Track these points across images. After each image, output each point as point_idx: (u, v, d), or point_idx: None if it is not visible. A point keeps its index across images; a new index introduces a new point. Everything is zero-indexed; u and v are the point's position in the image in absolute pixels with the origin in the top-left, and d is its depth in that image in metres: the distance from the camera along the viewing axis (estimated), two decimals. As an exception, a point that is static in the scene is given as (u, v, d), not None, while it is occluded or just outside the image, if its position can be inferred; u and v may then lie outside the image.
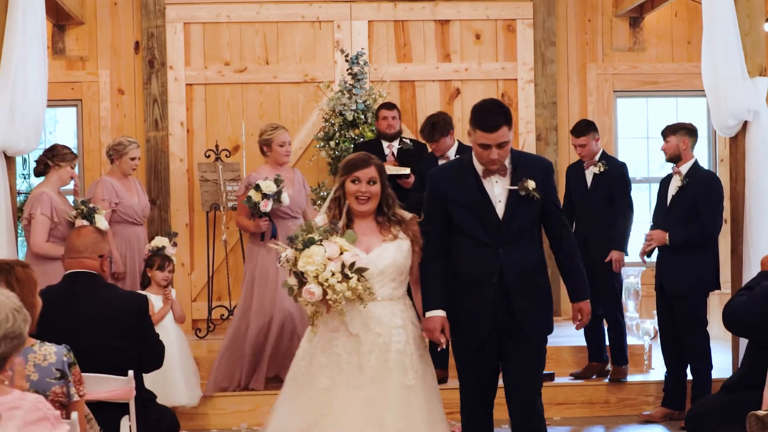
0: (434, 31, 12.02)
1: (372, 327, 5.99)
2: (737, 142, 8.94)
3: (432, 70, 12.01)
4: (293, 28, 11.94)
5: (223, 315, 11.12)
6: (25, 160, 11.69)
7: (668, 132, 9.14)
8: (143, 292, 8.23)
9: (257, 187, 9.01)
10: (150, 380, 7.22)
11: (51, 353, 4.79)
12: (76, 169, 9.27)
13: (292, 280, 5.80)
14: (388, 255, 6.10)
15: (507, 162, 6.22)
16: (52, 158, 9.01)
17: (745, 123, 8.78)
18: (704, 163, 12.16)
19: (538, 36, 11.96)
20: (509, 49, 12.05)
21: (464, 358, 6.45)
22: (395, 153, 10.11)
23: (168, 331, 8.77)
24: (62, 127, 12.49)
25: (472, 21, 12.01)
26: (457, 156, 9.01)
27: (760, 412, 5.58)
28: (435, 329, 6.20)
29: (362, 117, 11.11)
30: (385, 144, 10.18)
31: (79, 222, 8.65)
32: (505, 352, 6.32)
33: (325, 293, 5.70)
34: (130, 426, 5.93)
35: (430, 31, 12.02)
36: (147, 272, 9.05)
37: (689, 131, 9.03)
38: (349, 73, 11.34)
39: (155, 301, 8.81)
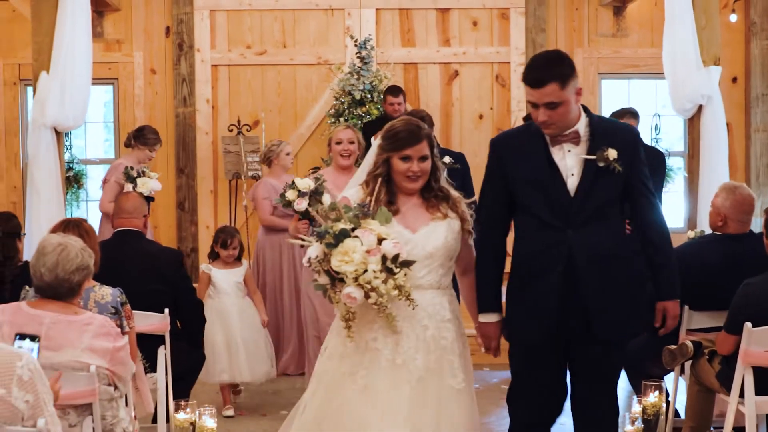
0: (435, 18, 12.97)
1: (418, 319, 5.07)
2: (693, 123, 10.05)
3: (433, 53, 12.96)
4: (308, 15, 12.89)
5: (244, 272, 12.30)
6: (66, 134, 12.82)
7: (616, 116, 10.31)
8: (208, 266, 8.84)
9: (293, 185, 7.99)
10: (216, 358, 8.49)
11: (107, 294, 5.99)
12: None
13: (324, 279, 4.87)
14: (439, 236, 5.16)
15: (583, 128, 5.22)
16: (135, 137, 10.26)
17: (700, 106, 9.95)
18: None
19: (530, 23, 12.88)
20: (503, 35, 12.96)
21: (519, 367, 5.45)
22: None
23: (232, 304, 8.78)
24: (93, 103, 13.36)
25: (470, 9, 12.95)
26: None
27: (672, 347, 6.84)
28: (493, 336, 5.41)
29: (369, 96, 12.06)
30: None
31: (127, 185, 9.81)
32: (574, 361, 5.36)
33: (367, 296, 4.79)
34: (165, 354, 7.19)
35: (431, 18, 12.96)
36: (214, 247, 8.87)
37: (633, 114, 10.19)
38: (358, 57, 12.32)
39: (220, 276, 8.77)
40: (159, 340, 7.17)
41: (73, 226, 6.09)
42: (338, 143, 8.00)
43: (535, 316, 5.21)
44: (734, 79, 12.94)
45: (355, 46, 12.47)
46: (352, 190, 5.34)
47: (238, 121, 12.47)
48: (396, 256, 4.79)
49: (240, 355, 8.69)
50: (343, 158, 7.97)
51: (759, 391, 6.10)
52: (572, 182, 5.17)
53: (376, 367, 5.04)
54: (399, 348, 5.04)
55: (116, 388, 5.44)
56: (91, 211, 12.88)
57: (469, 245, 5.36)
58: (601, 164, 5.11)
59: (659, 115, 12.59)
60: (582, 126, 5.24)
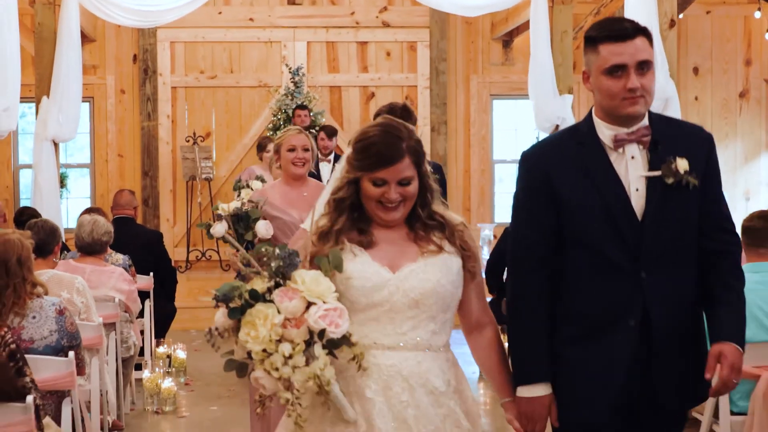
0: (356, 50, 15.21)
1: (396, 392, 3.61)
2: (553, 139, 12.64)
3: (354, 78, 15.17)
4: (251, 47, 15.05)
5: (198, 256, 14.46)
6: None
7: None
8: None
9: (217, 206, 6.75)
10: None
11: (120, 258, 8.65)
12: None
13: (241, 353, 3.43)
14: (429, 276, 3.66)
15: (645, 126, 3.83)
16: (258, 150, 12.32)
17: (557, 125, 12.48)
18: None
19: (433, 54, 15.09)
20: (411, 64, 15.19)
21: None
22: None
23: None
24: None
25: (385, 42, 15.18)
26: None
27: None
28: (540, 417, 3.86)
29: (300, 114, 14.20)
30: None
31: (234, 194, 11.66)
32: None
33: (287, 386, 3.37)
34: (150, 305, 9.75)
35: (353, 50, 15.21)
36: None
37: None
38: (292, 81, 14.38)
39: None
40: (145, 295, 9.65)
41: (94, 210, 8.86)
42: (291, 150, 6.70)
43: (598, 387, 3.83)
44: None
45: (290, 72, 14.44)
46: (307, 222, 4.05)
47: (194, 134, 14.43)
48: (322, 332, 3.34)
49: None
50: (296, 167, 6.68)
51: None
52: (637, 201, 3.81)
53: None
54: None
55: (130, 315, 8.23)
56: (71, 205, 14.91)
57: (479, 287, 3.88)
58: (670, 181, 3.78)
59: (539, 130, 15.16)
60: (646, 124, 3.87)
